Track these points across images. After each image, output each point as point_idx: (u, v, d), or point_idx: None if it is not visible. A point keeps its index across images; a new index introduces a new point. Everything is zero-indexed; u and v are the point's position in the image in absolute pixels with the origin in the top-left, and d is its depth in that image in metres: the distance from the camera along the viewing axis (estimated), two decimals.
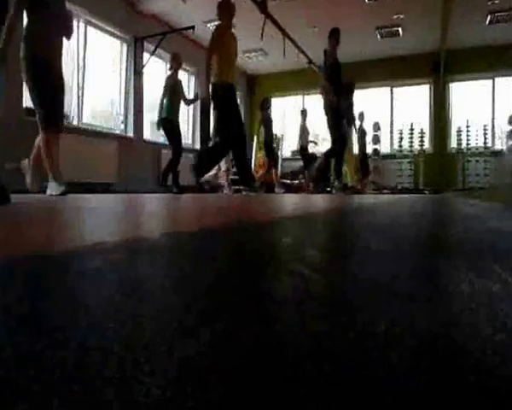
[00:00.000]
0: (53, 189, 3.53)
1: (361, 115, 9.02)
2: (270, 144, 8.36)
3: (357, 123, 8.95)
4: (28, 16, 3.37)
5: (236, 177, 8.26)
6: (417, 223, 1.59)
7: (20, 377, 0.22)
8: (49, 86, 3.47)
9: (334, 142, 5.76)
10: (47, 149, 3.53)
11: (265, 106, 8.32)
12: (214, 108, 4.85)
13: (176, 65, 6.15)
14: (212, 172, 7.28)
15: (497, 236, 1.08)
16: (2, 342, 0.28)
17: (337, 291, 0.46)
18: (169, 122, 6.09)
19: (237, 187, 6.91)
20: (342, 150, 5.90)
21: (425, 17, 8.16)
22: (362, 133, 9.13)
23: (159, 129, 6.28)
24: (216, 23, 7.89)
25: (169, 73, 6.27)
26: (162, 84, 6.21)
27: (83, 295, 0.41)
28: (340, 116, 5.84)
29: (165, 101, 6.06)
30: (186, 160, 9.52)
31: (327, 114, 5.75)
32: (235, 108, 4.65)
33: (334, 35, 5.96)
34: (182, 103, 6.36)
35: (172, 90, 6.02)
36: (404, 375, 0.24)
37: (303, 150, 9.19)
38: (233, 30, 4.90)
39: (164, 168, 6.48)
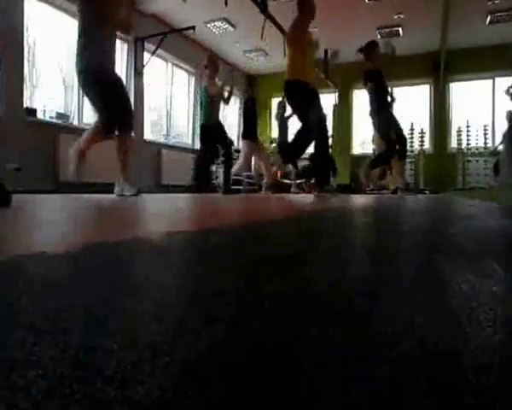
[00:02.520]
0: (126, 190, 3.76)
1: None
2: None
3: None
4: None
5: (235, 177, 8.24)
6: (417, 222, 1.59)
7: (20, 378, 0.22)
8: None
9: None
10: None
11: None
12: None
13: (212, 68, 5.71)
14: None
15: (496, 235, 1.08)
16: (1, 340, 0.28)
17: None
18: (206, 129, 5.83)
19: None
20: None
21: (425, 17, 8.16)
22: None
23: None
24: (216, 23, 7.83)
25: (206, 78, 5.86)
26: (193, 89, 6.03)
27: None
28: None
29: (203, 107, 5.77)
30: (185, 159, 9.57)
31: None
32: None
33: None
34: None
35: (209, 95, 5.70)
36: (402, 376, 0.24)
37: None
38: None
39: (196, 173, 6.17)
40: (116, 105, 3.65)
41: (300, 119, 4.69)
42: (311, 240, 0.95)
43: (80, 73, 3.61)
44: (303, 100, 4.59)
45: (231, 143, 6.23)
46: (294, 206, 2.75)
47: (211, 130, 5.84)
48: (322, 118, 4.66)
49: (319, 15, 8.44)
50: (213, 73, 5.79)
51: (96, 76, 3.55)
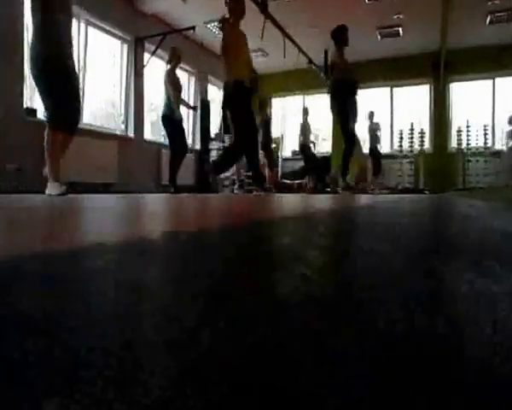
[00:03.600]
0: (52, 189, 3.51)
1: (371, 114, 9.40)
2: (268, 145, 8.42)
3: (367, 122, 9.32)
4: None
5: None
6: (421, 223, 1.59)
7: (21, 377, 0.22)
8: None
9: (345, 141, 5.82)
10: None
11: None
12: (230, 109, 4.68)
13: (176, 60, 6.12)
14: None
15: (496, 235, 1.08)
16: (3, 341, 0.28)
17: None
18: (168, 120, 6.06)
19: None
20: (351, 149, 5.90)
21: (425, 17, 8.17)
22: (373, 132, 9.41)
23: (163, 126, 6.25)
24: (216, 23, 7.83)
25: (168, 67, 6.21)
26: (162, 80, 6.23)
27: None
28: (347, 115, 5.83)
29: (164, 98, 6.04)
30: (185, 159, 9.55)
31: (335, 113, 5.84)
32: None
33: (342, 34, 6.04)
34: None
35: (172, 87, 6.01)
36: (402, 375, 0.24)
37: (304, 149, 9.20)
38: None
39: (170, 171, 6.36)
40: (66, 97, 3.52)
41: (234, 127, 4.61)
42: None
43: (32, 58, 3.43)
44: (240, 104, 4.54)
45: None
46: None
47: (172, 121, 6.06)
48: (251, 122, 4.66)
49: (320, 15, 8.47)
50: (176, 65, 6.16)
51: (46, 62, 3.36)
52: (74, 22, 6.89)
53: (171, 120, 6.06)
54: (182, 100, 6.42)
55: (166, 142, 9.23)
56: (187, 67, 9.80)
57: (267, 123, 8.32)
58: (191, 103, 7.41)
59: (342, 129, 5.74)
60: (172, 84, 6.01)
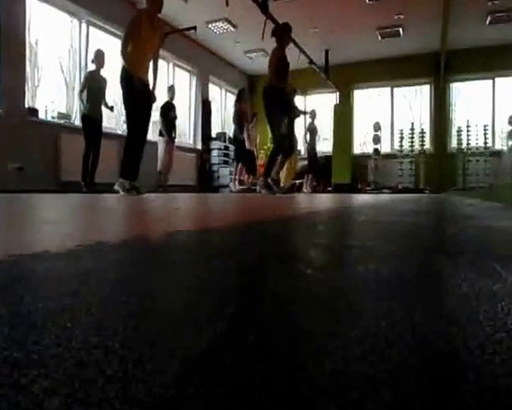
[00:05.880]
0: None
1: (311, 113, 9.22)
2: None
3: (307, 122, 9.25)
4: None
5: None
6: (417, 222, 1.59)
7: (22, 376, 0.22)
8: None
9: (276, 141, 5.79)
10: None
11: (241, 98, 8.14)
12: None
13: (98, 63, 6.11)
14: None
15: (496, 235, 1.08)
16: (3, 339, 0.28)
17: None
18: (87, 119, 5.97)
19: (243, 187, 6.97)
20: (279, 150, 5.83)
21: (425, 17, 8.16)
22: (311, 132, 9.28)
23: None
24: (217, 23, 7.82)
25: (92, 68, 6.14)
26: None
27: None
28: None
29: (83, 97, 5.94)
30: (186, 159, 9.56)
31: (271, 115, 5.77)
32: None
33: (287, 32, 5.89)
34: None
35: (92, 87, 5.97)
36: (403, 374, 0.24)
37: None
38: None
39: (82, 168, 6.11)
40: None
41: None
42: None
43: None
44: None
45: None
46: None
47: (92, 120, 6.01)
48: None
49: (320, 15, 8.45)
50: (100, 66, 6.14)
51: None
52: (75, 22, 6.92)
53: (89, 120, 5.99)
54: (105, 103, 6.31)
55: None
56: (188, 67, 9.79)
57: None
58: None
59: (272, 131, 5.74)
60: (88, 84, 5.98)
